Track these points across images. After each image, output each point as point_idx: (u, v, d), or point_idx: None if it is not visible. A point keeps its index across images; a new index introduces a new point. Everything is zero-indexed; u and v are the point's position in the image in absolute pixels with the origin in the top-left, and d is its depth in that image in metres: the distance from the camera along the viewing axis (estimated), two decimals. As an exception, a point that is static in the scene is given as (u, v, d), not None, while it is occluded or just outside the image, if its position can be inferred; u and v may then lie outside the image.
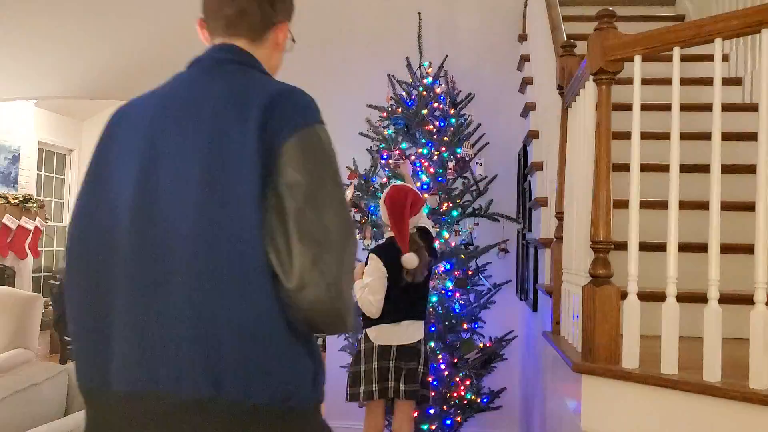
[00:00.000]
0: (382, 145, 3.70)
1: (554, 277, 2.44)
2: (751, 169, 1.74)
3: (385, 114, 3.75)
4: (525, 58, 4.20)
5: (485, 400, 3.64)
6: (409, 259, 2.91)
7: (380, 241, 3.26)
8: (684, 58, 1.85)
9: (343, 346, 3.74)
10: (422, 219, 3.11)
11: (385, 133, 3.71)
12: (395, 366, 2.93)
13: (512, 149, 4.32)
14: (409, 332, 2.97)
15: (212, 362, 1.01)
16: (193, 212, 1.03)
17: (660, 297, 1.72)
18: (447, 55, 4.03)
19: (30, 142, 7.09)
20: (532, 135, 3.54)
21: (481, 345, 3.63)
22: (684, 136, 1.85)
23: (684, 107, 1.90)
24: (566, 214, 2.31)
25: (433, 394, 3.39)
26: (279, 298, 1.03)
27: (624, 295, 1.76)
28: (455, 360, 3.49)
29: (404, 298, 2.97)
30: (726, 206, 1.80)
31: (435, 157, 3.61)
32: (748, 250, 1.85)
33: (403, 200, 2.94)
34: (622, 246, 1.83)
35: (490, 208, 3.67)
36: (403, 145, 3.71)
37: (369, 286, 2.94)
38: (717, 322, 1.58)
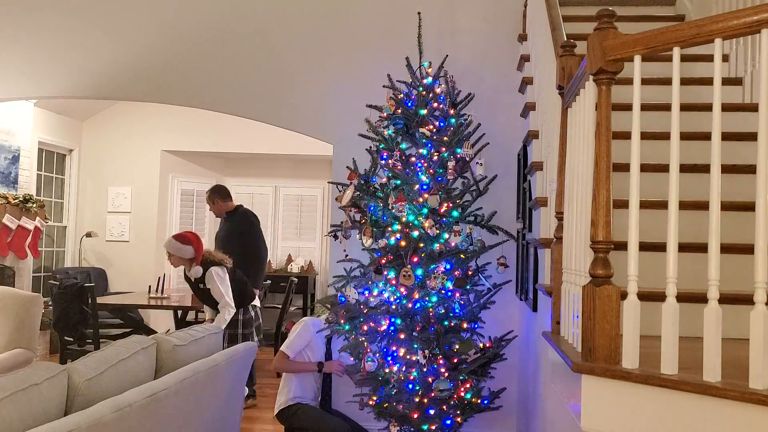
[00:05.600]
0: (382, 145, 3.70)
1: (554, 277, 2.44)
2: (751, 169, 1.74)
3: (385, 114, 3.75)
4: (525, 58, 4.20)
5: (486, 402, 3.64)
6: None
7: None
8: (684, 58, 1.85)
9: (342, 346, 3.74)
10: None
11: (385, 133, 3.71)
12: None
13: (512, 149, 4.32)
14: None
15: None
16: None
17: (660, 297, 1.72)
18: (447, 55, 4.03)
19: (30, 142, 7.10)
20: (532, 135, 3.54)
21: (481, 345, 3.63)
22: (684, 136, 1.86)
23: (684, 107, 1.91)
24: (566, 214, 2.31)
25: (433, 394, 3.39)
26: None
27: (624, 295, 1.76)
28: (455, 360, 3.49)
29: None
30: (726, 206, 1.81)
31: (435, 158, 3.61)
32: (748, 250, 1.85)
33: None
34: (622, 246, 1.83)
35: (492, 219, 3.67)
36: (403, 146, 3.71)
37: None
38: (717, 322, 1.58)
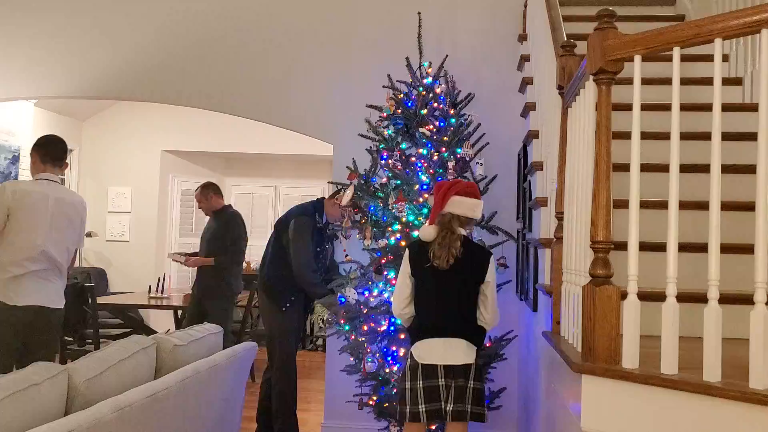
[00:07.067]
0: (382, 145, 3.70)
1: (554, 277, 2.44)
2: (751, 169, 1.74)
3: (385, 114, 3.75)
4: (525, 58, 4.19)
5: (486, 402, 3.63)
6: (424, 230, 2.77)
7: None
8: (684, 58, 1.85)
9: (342, 347, 3.74)
10: (468, 225, 2.88)
11: (385, 133, 3.71)
12: (444, 384, 2.71)
13: (512, 149, 4.32)
14: (454, 353, 2.72)
15: None
16: None
17: (660, 297, 1.72)
18: (447, 55, 4.03)
19: (30, 142, 7.07)
20: (532, 135, 3.54)
21: (481, 345, 3.63)
22: (684, 136, 1.85)
23: (684, 107, 1.90)
24: (566, 214, 2.31)
25: None
26: None
27: (624, 295, 1.76)
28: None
29: (436, 306, 2.78)
30: (726, 206, 1.81)
31: (435, 158, 3.61)
32: (748, 250, 1.85)
33: (447, 184, 2.88)
34: (622, 246, 1.83)
35: (492, 219, 3.66)
36: (403, 146, 3.71)
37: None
38: (717, 322, 1.58)
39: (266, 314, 4.27)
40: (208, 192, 5.21)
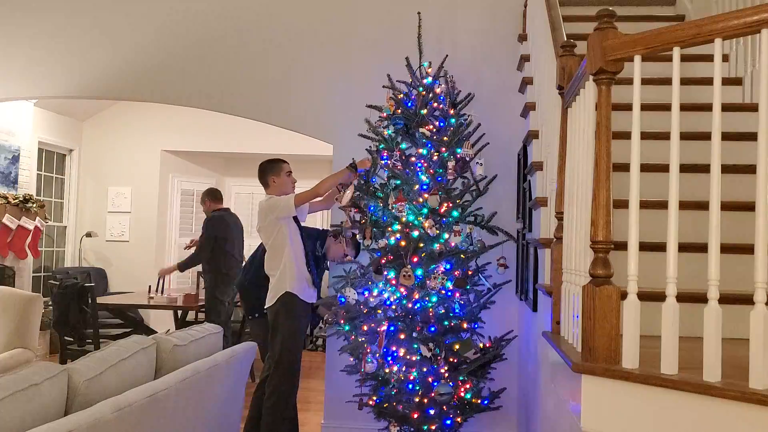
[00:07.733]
0: (382, 145, 3.70)
1: (554, 277, 2.44)
2: (751, 169, 1.74)
3: (385, 114, 3.75)
4: (525, 58, 4.20)
5: (486, 402, 3.64)
6: None
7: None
8: (684, 58, 1.85)
9: (342, 347, 3.74)
10: None
11: (385, 133, 3.70)
12: None
13: (512, 149, 4.32)
14: None
15: None
16: None
17: (660, 297, 1.72)
18: (447, 55, 4.03)
19: (30, 142, 7.09)
20: (532, 135, 3.54)
21: (481, 345, 3.63)
22: (684, 136, 1.86)
23: (684, 107, 1.90)
24: (566, 214, 2.31)
25: (432, 395, 3.38)
26: None
27: (624, 295, 1.76)
28: (454, 360, 3.48)
29: None
30: (726, 206, 1.81)
31: (435, 158, 3.61)
32: (748, 250, 1.85)
33: None
34: (622, 246, 1.83)
35: (492, 219, 3.66)
36: (403, 146, 3.71)
37: None
38: (717, 322, 1.58)
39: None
40: (204, 198, 5.95)
